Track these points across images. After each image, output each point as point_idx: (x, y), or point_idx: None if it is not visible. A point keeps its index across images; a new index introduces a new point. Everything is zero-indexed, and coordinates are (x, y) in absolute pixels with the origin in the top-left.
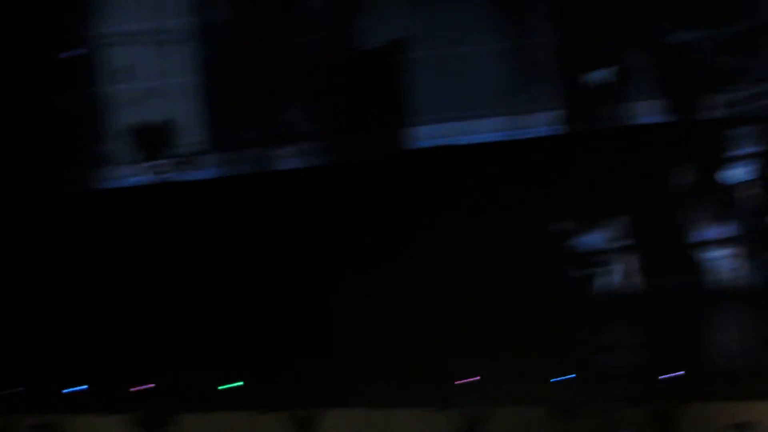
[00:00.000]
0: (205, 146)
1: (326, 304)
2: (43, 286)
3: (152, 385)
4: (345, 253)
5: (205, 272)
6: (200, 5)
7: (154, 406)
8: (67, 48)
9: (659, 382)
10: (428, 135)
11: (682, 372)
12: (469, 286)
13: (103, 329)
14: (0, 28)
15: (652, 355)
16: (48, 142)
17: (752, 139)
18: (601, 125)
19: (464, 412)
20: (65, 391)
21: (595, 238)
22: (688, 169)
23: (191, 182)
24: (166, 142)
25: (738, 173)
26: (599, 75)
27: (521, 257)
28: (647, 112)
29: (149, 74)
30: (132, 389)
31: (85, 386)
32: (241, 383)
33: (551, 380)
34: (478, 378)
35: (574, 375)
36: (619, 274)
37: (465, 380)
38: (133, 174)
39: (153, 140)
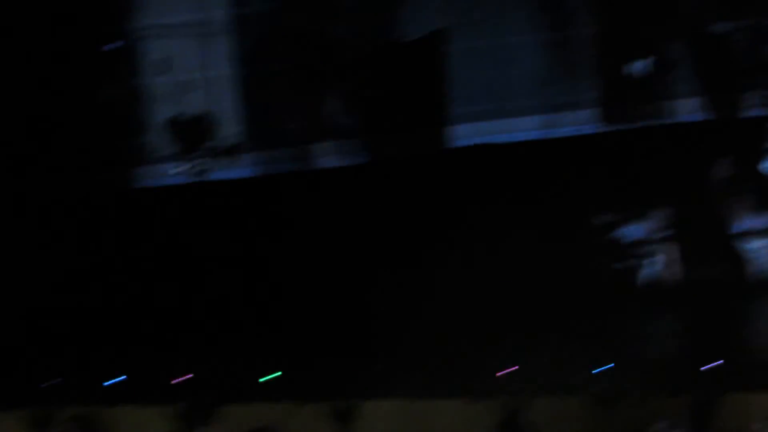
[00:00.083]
0: (243, 139)
1: (366, 297)
2: (82, 280)
3: (190, 376)
4: (385, 247)
5: (244, 267)
6: None
7: (196, 398)
8: (108, 40)
9: (699, 373)
10: (467, 133)
11: (721, 362)
12: (510, 279)
13: (143, 322)
14: (40, 21)
15: (693, 345)
16: (88, 136)
17: None
18: (642, 123)
19: (504, 403)
20: (106, 383)
21: (636, 230)
22: (729, 163)
23: (229, 181)
24: (205, 134)
25: None
26: (640, 70)
27: (562, 250)
28: (688, 109)
29: (188, 66)
30: (172, 381)
31: (123, 377)
32: (279, 374)
33: (591, 370)
34: (518, 368)
35: (613, 365)
36: (660, 265)
37: (505, 371)
38: (172, 170)
39: (192, 133)
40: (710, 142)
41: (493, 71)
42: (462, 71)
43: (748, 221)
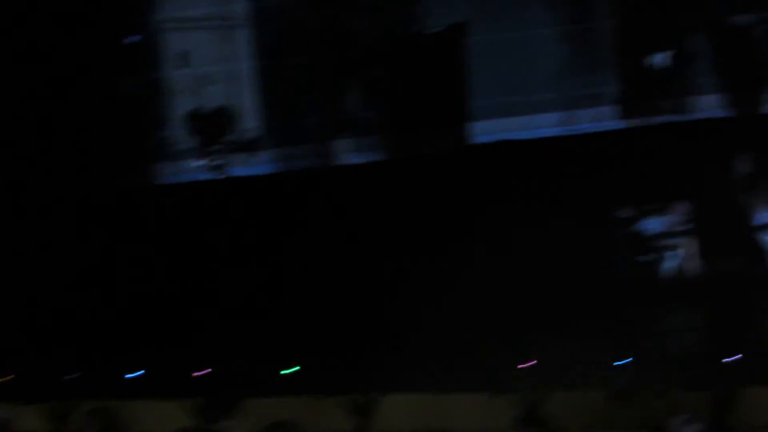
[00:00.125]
0: (263, 133)
1: (386, 292)
2: (103, 275)
3: (210, 370)
4: (406, 243)
5: (264, 263)
6: None
7: (216, 392)
8: (128, 34)
9: (720, 366)
10: (489, 130)
11: (741, 356)
12: (530, 274)
13: (163, 316)
14: (61, 15)
15: (712, 339)
16: (109, 131)
17: None
18: (662, 119)
19: (523, 397)
20: (126, 377)
21: (656, 224)
22: (749, 158)
23: (249, 177)
24: (224, 128)
25: None
26: (660, 64)
27: (582, 244)
28: (708, 105)
29: (207, 60)
30: (191, 375)
31: (143, 371)
32: (297, 368)
33: (611, 364)
34: (537, 362)
35: (632, 359)
36: (680, 259)
37: (524, 364)
38: (191, 165)
39: (211, 127)
40: (731, 138)
41: (513, 64)
42: (482, 65)
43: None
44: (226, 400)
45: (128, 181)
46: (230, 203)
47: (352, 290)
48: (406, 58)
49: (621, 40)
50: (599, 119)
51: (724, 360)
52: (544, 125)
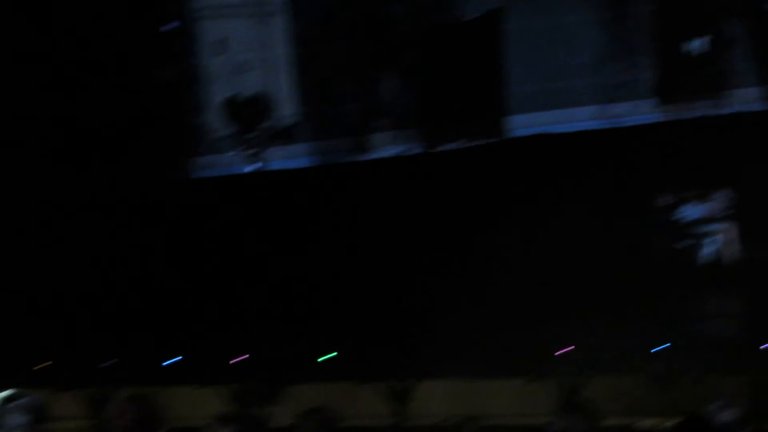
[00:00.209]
0: (300, 119)
1: (424, 280)
2: (140, 264)
3: (247, 357)
4: (443, 232)
5: (303, 251)
6: None
7: (253, 378)
8: (165, 21)
9: (757, 352)
10: (526, 123)
11: None
12: (569, 261)
13: (201, 304)
14: (97, 3)
15: (750, 324)
16: (147, 121)
17: None
18: (700, 112)
19: (560, 382)
20: (163, 363)
21: (695, 211)
22: None
23: (288, 170)
24: (261, 115)
25: None
26: (698, 52)
27: (620, 231)
28: (747, 98)
29: (245, 47)
30: (229, 361)
31: (180, 357)
32: (334, 354)
33: (649, 350)
34: (575, 348)
35: (670, 344)
36: (718, 245)
37: (562, 350)
38: (229, 151)
39: (248, 113)
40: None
41: (550, 51)
42: (518, 51)
43: None
44: (269, 387)
45: (167, 174)
46: (267, 196)
47: (389, 278)
48: (442, 45)
49: (659, 26)
50: (638, 111)
51: (761, 346)
52: (583, 118)
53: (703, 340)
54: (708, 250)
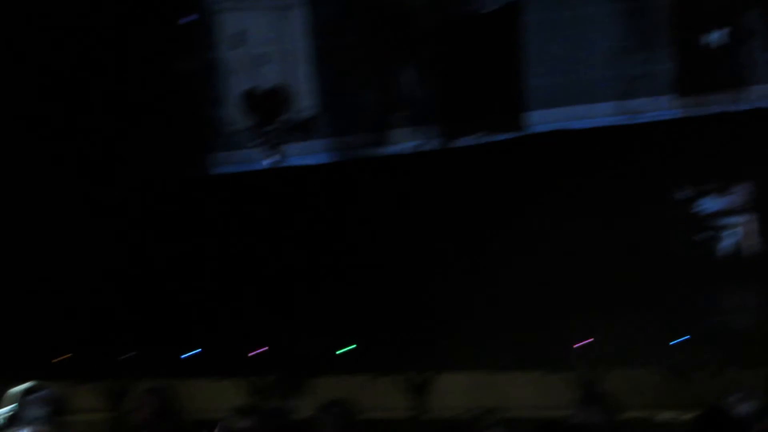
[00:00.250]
0: (318, 112)
1: (443, 272)
2: (158, 257)
3: (266, 349)
4: (463, 224)
5: (321, 244)
6: None
7: (273, 371)
8: (183, 14)
9: None
10: (545, 119)
11: None
12: (588, 253)
13: (220, 296)
14: None
15: None
16: (166, 114)
17: None
18: (720, 109)
19: (579, 375)
20: (182, 356)
21: (714, 203)
22: None
23: (306, 167)
24: (280, 108)
25: None
26: (717, 44)
27: (640, 223)
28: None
29: (263, 39)
30: (247, 354)
31: (199, 350)
32: (354, 346)
33: (668, 342)
34: (594, 340)
35: (689, 337)
36: (738, 237)
37: (581, 343)
38: (248, 144)
39: (266, 106)
40: None
41: (569, 43)
42: (537, 44)
43: None
44: (292, 379)
45: (187, 170)
46: (284, 191)
47: (409, 272)
48: (460, 37)
49: (679, 18)
50: (657, 106)
51: None
52: (602, 113)
53: (722, 333)
54: (727, 242)
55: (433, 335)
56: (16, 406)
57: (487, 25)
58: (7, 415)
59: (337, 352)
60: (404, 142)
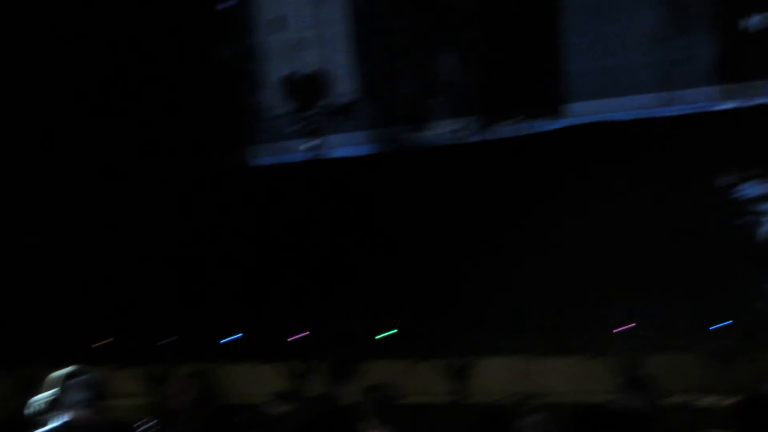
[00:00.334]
0: (357, 97)
1: (483, 258)
2: (201, 242)
3: (307, 334)
4: (503, 213)
5: (361, 233)
6: None
7: (313, 355)
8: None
9: None
10: (584, 111)
11: None
12: (629, 240)
13: (261, 283)
14: None
15: None
16: (206, 103)
17: None
18: (760, 100)
19: (620, 359)
20: (222, 341)
21: (754, 188)
22: None
23: (346, 158)
24: (319, 92)
25: None
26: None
27: (679, 209)
28: None
29: (302, 24)
30: (287, 338)
31: (240, 335)
32: (395, 331)
33: (708, 327)
34: (635, 325)
35: (731, 321)
36: None
37: (622, 327)
38: (287, 129)
39: (306, 91)
40: None
41: (609, 26)
42: (576, 26)
43: None
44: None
45: (227, 160)
46: (326, 182)
47: (450, 258)
48: (500, 21)
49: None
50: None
51: None
52: (642, 104)
53: (763, 318)
54: None
55: (474, 321)
56: (57, 391)
57: (527, 9)
58: (48, 399)
59: (377, 337)
60: (443, 128)
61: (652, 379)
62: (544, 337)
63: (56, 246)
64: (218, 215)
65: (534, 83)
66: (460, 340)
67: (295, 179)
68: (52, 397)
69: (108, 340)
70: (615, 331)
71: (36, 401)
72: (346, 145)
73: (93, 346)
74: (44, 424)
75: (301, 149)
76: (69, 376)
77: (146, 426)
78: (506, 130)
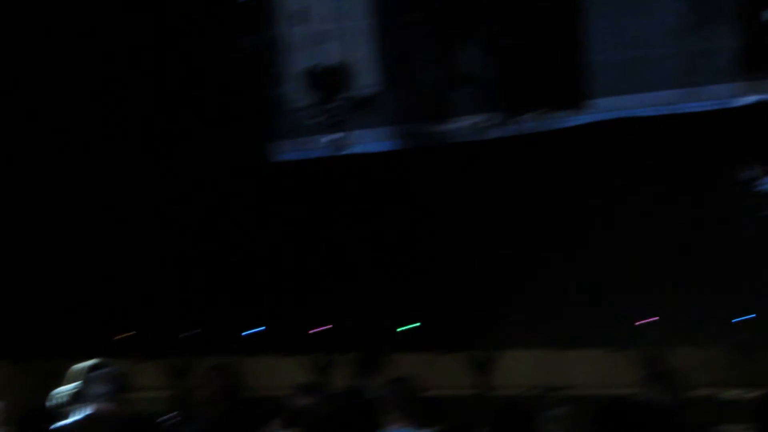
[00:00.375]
0: (380, 89)
1: (507, 251)
2: (222, 237)
3: (329, 327)
4: (528, 207)
5: (383, 225)
6: None
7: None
8: None
9: None
10: (609, 107)
11: None
12: (652, 232)
13: (283, 276)
14: None
15: None
16: (229, 96)
17: None
18: None
19: (643, 353)
20: (244, 333)
21: None
22: None
23: (369, 154)
24: (341, 84)
25: None
26: None
27: (704, 203)
28: None
29: (325, 17)
30: (309, 331)
31: (262, 328)
32: (417, 324)
33: (732, 321)
34: (657, 318)
35: (754, 315)
36: None
37: (644, 321)
38: (308, 121)
39: (328, 83)
40: None
41: (631, 18)
42: (599, 18)
43: None
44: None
45: (251, 157)
46: (349, 177)
47: (473, 250)
48: (523, 13)
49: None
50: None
51: None
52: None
53: None
54: None
55: (497, 313)
56: (80, 383)
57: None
58: (71, 391)
59: (398, 330)
60: (465, 121)
61: (676, 373)
62: (568, 329)
63: (79, 239)
64: (242, 209)
65: (557, 76)
66: (483, 333)
67: (318, 174)
68: (75, 390)
69: (130, 333)
70: (637, 324)
71: (59, 393)
72: (368, 140)
73: (115, 338)
74: (67, 416)
75: (323, 143)
76: (92, 369)
77: (168, 418)
78: (530, 124)
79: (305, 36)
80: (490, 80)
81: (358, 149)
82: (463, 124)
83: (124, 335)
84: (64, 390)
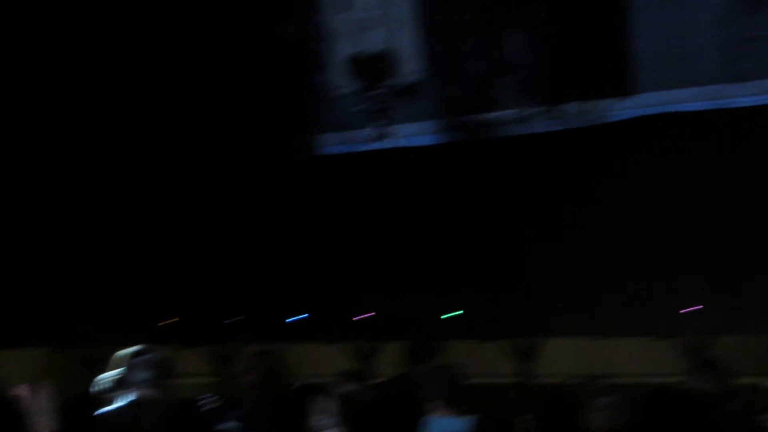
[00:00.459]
0: (424, 77)
1: (550, 239)
2: (268, 224)
3: (372, 314)
4: (570, 196)
5: (426, 214)
6: None
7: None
8: None
9: None
10: (647, 102)
11: None
12: (697, 220)
13: (327, 263)
14: None
15: None
16: (272, 86)
17: None
18: None
19: (688, 341)
20: (288, 320)
21: None
22: None
23: (413, 148)
24: (386, 72)
25: None
26: None
27: (745, 191)
28: None
29: (369, 4)
30: (353, 318)
31: (306, 315)
32: (460, 312)
33: None
34: (702, 307)
35: None
36: None
37: (689, 308)
38: (353, 108)
39: (372, 71)
40: None
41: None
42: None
43: None
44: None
45: (292, 151)
46: (392, 170)
47: (516, 238)
48: (569, 1)
49: None
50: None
51: None
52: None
53: None
54: None
55: (541, 301)
56: (123, 369)
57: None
58: (114, 378)
59: (442, 317)
60: (510, 111)
61: (721, 361)
62: (612, 317)
63: (123, 225)
64: (289, 198)
65: (603, 65)
66: (526, 321)
67: (363, 166)
68: (119, 376)
69: (174, 319)
70: (682, 312)
71: (102, 380)
72: (413, 131)
73: (159, 324)
74: (110, 403)
75: (367, 132)
76: (135, 355)
77: (210, 403)
78: (577, 116)
79: (350, 23)
80: (533, 69)
81: (402, 142)
82: (507, 114)
83: (168, 321)
84: (108, 376)
